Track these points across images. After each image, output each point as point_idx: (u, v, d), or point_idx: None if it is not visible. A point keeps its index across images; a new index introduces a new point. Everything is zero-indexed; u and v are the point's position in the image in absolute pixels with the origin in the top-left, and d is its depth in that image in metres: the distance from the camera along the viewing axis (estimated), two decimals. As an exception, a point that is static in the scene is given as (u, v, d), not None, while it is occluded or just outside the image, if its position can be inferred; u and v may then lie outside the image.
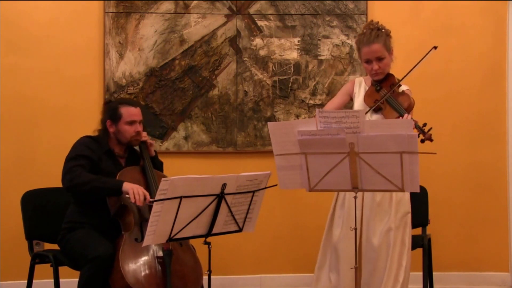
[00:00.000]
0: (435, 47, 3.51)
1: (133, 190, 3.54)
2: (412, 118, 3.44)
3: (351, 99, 3.83)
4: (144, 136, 3.95)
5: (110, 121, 3.87)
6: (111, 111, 3.87)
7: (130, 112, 3.85)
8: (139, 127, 3.87)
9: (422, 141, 3.40)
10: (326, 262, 3.77)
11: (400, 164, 3.08)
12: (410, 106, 3.58)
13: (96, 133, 3.93)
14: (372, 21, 3.77)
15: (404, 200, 3.67)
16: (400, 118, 3.51)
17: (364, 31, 3.67)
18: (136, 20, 4.97)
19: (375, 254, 3.60)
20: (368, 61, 3.63)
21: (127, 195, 3.55)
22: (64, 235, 3.81)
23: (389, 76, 3.67)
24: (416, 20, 5.15)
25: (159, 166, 4.05)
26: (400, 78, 3.65)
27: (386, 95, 3.55)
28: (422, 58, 3.54)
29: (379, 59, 3.61)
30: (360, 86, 3.80)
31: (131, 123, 3.84)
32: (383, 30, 3.64)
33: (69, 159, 3.76)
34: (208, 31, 5.02)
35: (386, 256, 3.59)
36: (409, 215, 3.69)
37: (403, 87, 3.71)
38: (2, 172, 4.88)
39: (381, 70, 3.63)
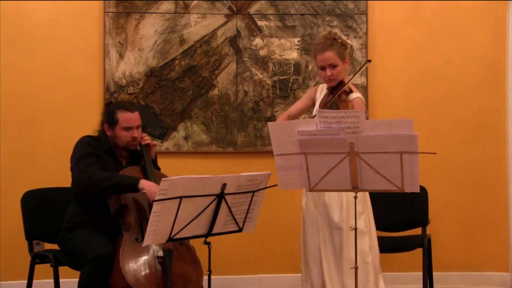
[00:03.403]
0: (369, 61, 3.81)
1: (149, 188, 3.56)
2: None
3: (314, 103, 3.96)
4: (147, 139, 3.95)
5: (107, 125, 3.85)
6: (108, 115, 3.85)
7: (127, 118, 3.81)
8: (136, 133, 3.83)
9: None
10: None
11: (400, 164, 3.08)
12: None
13: (96, 133, 3.93)
14: (330, 32, 3.97)
15: (356, 200, 3.69)
16: None
17: (321, 40, 3.84)
18: (136, 20, 4.97)
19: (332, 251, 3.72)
20: (322, 68, 3.77)
21: (143, 190, 3.56)
22: (64, 235, 3.81)
23: (341, 83, 3.79)
24: (416, 20, 5.15)
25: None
26: (350, 87, 3.76)
27: (331, 100, 3.70)
28: (357, 72, 3.91)
29: (332, 66, 3.74)
30: (321, 92, 3.92)
31: (128, 128, 3.81)
32: (339, 41, 3.79)
33: (80, 158, 3.74)
34: (208, 31, 5.02)
35: (340, 255, 3.68)
36: (363, 216, 3.69)
37: (354, 95, 3.77)
38: (2, 172, 4.88)
39: (334, 77, 3.75)
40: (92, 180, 3.65)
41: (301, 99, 4.10)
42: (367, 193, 3.75)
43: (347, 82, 3.72)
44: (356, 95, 3.77)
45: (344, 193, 3.67)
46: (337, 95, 3.68)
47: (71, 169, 3.81)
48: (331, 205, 3.71)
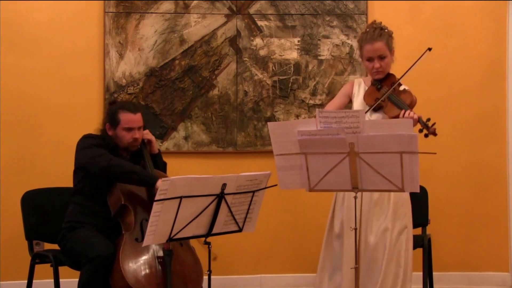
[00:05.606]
0: (429, 49, 3.55)
1: None
2: (415, 114, 3.49)
3: (350, 101, 3.84)
4: (147, 133, 3.94)
5: (109, 125, 3.85)
6: (110, 115, 3.85)
7: (129, 119, 3.80)
8: (137, 134, 3.82)
9: (426, 135, 3.46)
10: (327, 263, 3.78)
11: (400, 164, 3.08)
12: (412, 102, 3.61)
13: (98, 132, 3.92)
14: (375, 21, 3.78)
15: (402, 200, 3.67)
16: (403, 113, 3.52)
17: (367, 29, 3.68)
18: (136, 20, 4.97)
19: (371, 254, 3.60)
20: (370, 59, 3.63)
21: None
22: (64, 235, 3.81)
23: (389, 75, 3.69)
24: (416, 20, 5.15)
25: (161, 167, 4.04)
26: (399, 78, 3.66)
27: (388, 91, 3.56)
28: (417, 60, 3.56)
29: (381, 57, 3.61)
30: (359, 87, 3.80)
31: (129, 129, 3.80)
32: (386, 30, 3.66)
33: (90, 146, 3.74)
34: (208, 31, 5.02)
35: (382, 256, 3.59)
36: (407, 216, 3.69)
37: (403, 86, 3.71)
38: (2, 172, 4.88)
39: (382, 69, 3.63)
40: (113, 162, 3.66)
41: (337, 97, 3.89)
42: (407, 194, 3.67)
43: (403, 75, 3.51)
44: (405, 86, 3.65)
45: (392, 193, 3.60)
46: (392, 87, 3.52)
47: (77, 160, 3.79)
48: (378, 205, 3.62)
